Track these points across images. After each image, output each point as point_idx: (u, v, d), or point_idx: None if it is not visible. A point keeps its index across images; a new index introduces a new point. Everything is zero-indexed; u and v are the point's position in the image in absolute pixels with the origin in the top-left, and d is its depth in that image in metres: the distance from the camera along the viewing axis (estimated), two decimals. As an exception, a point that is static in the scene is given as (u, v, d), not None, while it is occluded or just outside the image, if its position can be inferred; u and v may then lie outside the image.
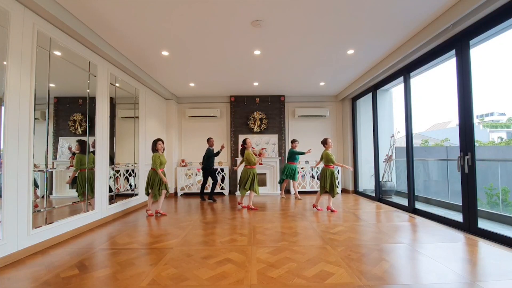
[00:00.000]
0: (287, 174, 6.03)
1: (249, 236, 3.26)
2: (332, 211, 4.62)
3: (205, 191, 6.18)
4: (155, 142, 4.56)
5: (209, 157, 5.88)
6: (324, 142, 4.87)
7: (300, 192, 6.92)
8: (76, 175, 3.57)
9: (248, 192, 4.93)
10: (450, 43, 3.56)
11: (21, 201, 2.63)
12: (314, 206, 4.84)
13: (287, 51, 4.33)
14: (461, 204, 3.45)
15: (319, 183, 5.01)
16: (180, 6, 3.04)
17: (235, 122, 7.29)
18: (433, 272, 2.20)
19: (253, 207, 4.95)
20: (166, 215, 4.51)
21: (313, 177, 7.02)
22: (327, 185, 4.62)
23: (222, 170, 6.97)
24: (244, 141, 5.11)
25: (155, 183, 4.43)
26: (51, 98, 3.15)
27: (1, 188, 2.45)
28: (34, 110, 2.80)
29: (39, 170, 2.94)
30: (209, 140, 6.07)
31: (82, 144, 3.64)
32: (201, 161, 6.19)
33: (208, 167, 5.89)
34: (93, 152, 3.83)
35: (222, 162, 7.18)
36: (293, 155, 6.04)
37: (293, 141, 6.20)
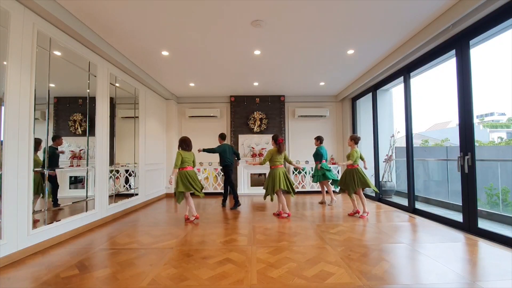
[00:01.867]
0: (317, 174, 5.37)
1: (249, 236, 3.25)
2: (361, 216, 4.19)
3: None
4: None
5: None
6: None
7: (300, 192, 6.93)
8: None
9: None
10: (450, 43, 3.56)
11: (21, 201, 2.63)
12: (358, 211, 4.32)
13: (287, 51, 4.33)
14: (461, 204, 3.45)
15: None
16: (180, 6, 3.04)
17: (235, 122, 7.28)
18: (433, 272, 2.20)
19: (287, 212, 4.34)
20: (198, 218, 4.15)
21: (313, 176, 6.93)
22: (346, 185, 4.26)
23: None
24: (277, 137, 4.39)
25: (193, 183, 4.07)
26: (51, 98, 3.14)
27: (1, 188, 2.45)
28: (34, 110, 2.80)
29: (39, 170, 2.93)
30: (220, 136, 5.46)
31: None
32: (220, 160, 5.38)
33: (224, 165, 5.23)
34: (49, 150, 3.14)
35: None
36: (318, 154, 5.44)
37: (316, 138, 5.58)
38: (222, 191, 6.59)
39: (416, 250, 2.72)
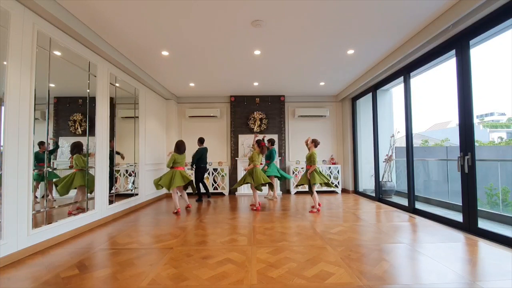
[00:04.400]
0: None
1: (249, 236, 3.25)
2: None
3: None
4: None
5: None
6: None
7: (300, 192, 6.94)
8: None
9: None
10: (450, 43, 3.56)
11: (21, 201, 2.63)
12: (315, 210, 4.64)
13: (287, 51, 4.33)
14: (461, 204, 3.45)
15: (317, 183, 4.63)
16: (180, 6, 3.04)
17: (235, 122, 7.28)
18: (433, 272, 2.20)
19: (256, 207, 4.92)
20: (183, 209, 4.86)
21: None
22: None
23: (222, 170, 6.98)
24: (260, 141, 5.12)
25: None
26: (51, 98, 3.15)
27: (1, 188, 2.45)
28: (34, 110, 2.80)
29: (39, 170, 2.94)
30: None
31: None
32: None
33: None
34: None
35: (222, 162, 7.19)
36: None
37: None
38: (222, 190, 6.85)
39: (416, 250, 2.72)
